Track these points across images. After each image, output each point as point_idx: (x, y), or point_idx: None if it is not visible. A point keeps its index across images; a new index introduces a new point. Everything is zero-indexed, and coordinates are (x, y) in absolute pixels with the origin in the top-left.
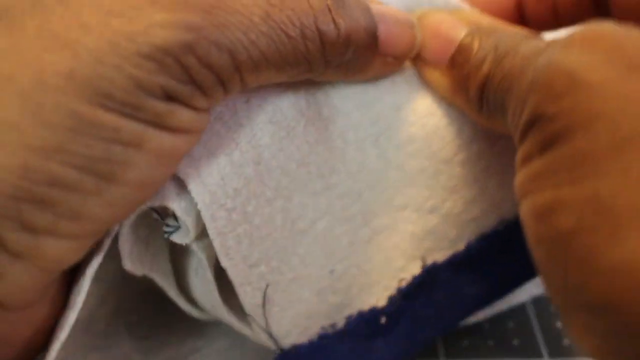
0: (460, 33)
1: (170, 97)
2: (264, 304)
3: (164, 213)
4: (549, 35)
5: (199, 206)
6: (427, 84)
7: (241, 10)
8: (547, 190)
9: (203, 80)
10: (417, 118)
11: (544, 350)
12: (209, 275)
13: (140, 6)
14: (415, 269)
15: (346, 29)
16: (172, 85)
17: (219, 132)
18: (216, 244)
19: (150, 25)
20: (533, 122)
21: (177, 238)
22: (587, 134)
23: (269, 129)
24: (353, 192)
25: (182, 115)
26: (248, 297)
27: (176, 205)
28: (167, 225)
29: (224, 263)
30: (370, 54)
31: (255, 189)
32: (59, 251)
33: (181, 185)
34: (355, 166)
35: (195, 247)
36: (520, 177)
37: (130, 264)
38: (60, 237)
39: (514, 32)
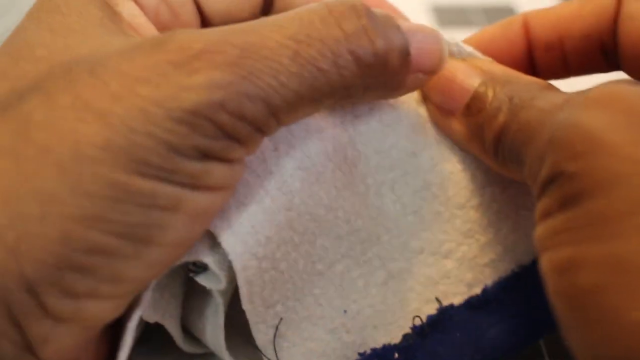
0: (474, 81)
1: (205, 155)
2: (274, 339)
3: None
4: (561, 85)
5: (231, 257)
6: (441, 130)
7: (268, 55)
8: (567, 247)
9: (239, 132)
10: (432, 164)
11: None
12: (220, 321)
13: (165, 72)
14: (430, 310)
15: (383, 48)
16: (206, 143)
17: (248, 181)
18: (243, 291)
19: (178, 89)
20: (553, 179)
21: (204, 281)
22: (606, 195)
23: (299, 175)
24: (373, 236)
25: (218, 172)
26: (261, 333)
27: (209, 259)
28: (194, 265)
29: (246, 306)
30: (404, 72)
31: (284, 235)
32: (100, 312)
33: (212, 237)
34: (375, 210)
35: (216, 293)
36: (539, 231)
37: (148, 312)
38: (101, 299)
39: (528, 83)
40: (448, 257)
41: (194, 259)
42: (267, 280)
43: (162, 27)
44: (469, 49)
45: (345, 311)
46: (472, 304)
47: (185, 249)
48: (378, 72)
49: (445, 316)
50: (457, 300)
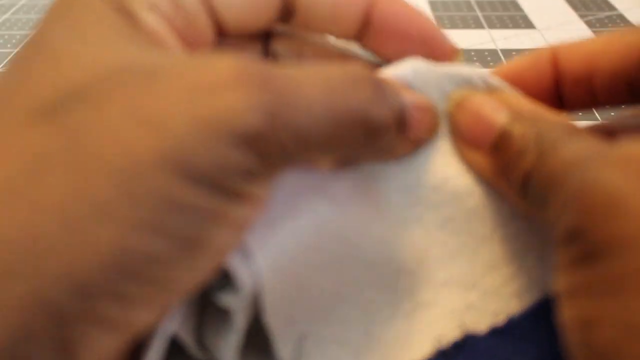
0: (502, 118)
1: (249, 172)
2: (299, 357)
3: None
4: (584, 124)
5: (258, 275)
6: (466, 164)
7: (306, 94)
8: (586, 303)
9: (275, 159)
10: (456, 198)
11: None
12: (234, 339)
13: (224, 86)
14: (454, 336)
15: (387, 117)
16: (251, 163)
17: (280, 200)
18: (267, 306)
19: (237, 105)
20: (572, 234)
21: (226, 296)
22: (624, 256)
23: (326, 201)
24: (402, 267)
25: (258, 189)
26: (283, 351)
27: (241, 270)
28: (218, 281)
29: (269, 321)
30: (401, 139)
31: (313, 256)
32: (146, 320)
33: (244, 251)
34: (403, 242)
35: (237, 315)
36: (559, 282)
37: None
38: (150, 306)
39: (555, 124)
40: (473, 289)
41: (226, 267)
42: (294, 298)
43: (179, 36)
44: (496, 81)
45: (370, 334)
46: (497, 332)
47: (224, 259)
48: (380, 136)
49: (469, 342)
50: (482, 328)
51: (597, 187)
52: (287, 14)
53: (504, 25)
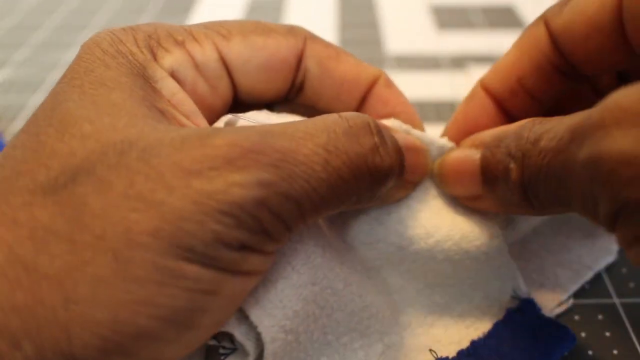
0: (475, 160)
1: (244, 246)
2: None
3: (221, 337)
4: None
5: (259, 329)
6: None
7: (304, 160)
8: None
9: (273, 230)
10: (416, 254)
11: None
12: None
13: (217, 167)
14: None
15: (390, 164)
16: (246, 236)
17: (281, 255)
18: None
19: (229, 184)
20: (619, 211)
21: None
22: None
23: (319, 251)
24: (378, 314)
25: (254, 261)
26: None
27: (237, 331)
28: (224, 348)
29: None
30: (399, 183)
31: (309, 309)
32: None
33: (239, 311)
34: (375, 289)
35: None
36: (635, 257)
37: None
38: None
39: (517, 129)
40: (433, 327)
41: (221, 329)
42: (288, 351)
43: (199, 99)
44: (443, 142)
45: None
46: (465, 354)
47: (218, 328)
48: (383, 183)
49: None
50: (451, 354)
51: (612, 156)
52: (296, 91)
53: (503, 31)
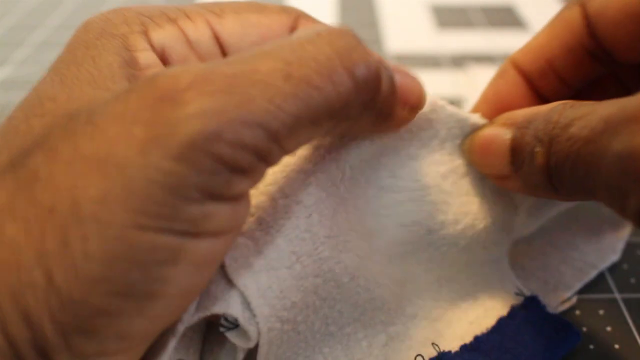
0: (505, 140)
1: (206, 195)
2: None
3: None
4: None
5: (258, 319)
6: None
7: (261, 78)
8: None
9: (240, 162)
10: (441, 244)
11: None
12: None
13: (157, 109)
14: (429, 355)
15: (375, 63)
16: (206, 180)
17: (280, 245)
18: (262, 349)
19: (172, 124)
20: None
21: (235, 338)
22: None
23: (329, 243)
24: (384, 308)
25: (220, 215)
26: None
27: (241, 316)
28: (226, 320)
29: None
30: (393, 101)
31: (308, 300)
32: None
33: (244, 296)
34: (391, 283)
35: (240, 350)
36: None
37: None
38: (111, 355)
39: (547, 112)
40: (438, 320)
41: (224, 311)
42: (285, 340)
43: None
44: (476, 118)
45: None
46: (468, 349)
47: (192, 297)
48: (372, 88)
49: (444, 358)
50: (453, 349)
51: None
52: None
53: (504, 31)
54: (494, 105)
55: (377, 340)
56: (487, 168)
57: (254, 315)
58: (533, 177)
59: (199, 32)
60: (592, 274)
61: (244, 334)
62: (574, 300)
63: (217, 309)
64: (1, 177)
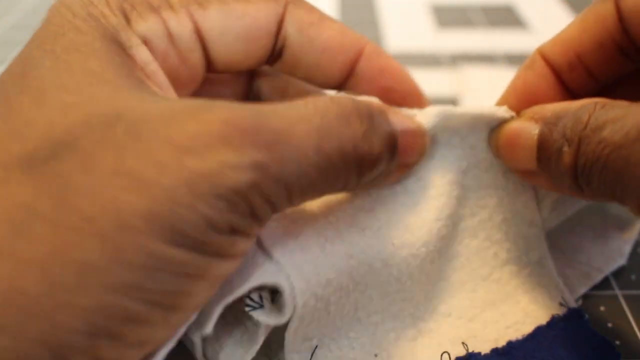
0: (533, 135)
1: (234, 231)
2: None
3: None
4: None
5: (296, 291)
6: (478, 206)
7: (297, 144)
8: None
9: (262, 213)
10: (463, 238)
11: None
12: (250, 355)
13: (211, 145)
14: (457, 354)
15: (379, 150)
16: (237, 221)
17: (308, 229)
18: (293, 325)
19: (223, 166)
20: None
21: (260, 316)
22: None
23: (353, 230)
24: (413, 300)
25: (241, 244)
26: None
27: (285, 285)
28: (251, 300)
29: (288, 337)
30: (392, 166)
31: (342, 280)
32: None
33: (282, 269)
34: (423, 278)
35: (261, 328)
36: None
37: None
38: None
39: (577, 110)
40: (473, 321)
41: (267, 282)
42: (316, 318)
43: (168, 71)
44: (503, 112)
45: (376, 355)
46: (499, 353)
47: (198, 310)
48: (372, 169)
49: (471, 358)
50: (484, 351)
51: None
52: (275, 57)
53: (505, 31)
54: (522, 97)
55: (405, 334)
56: (513, 162)
57: (293, 287)
58: (559, 175)
59: (181, 25)
60: (598, 277)
61: (271, 313)
62: (579, 304)
63: (261, 280)
64: (18, 171)
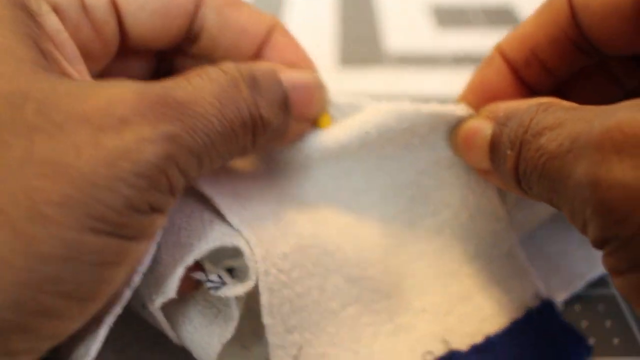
0: (486, 135)
1: (152, 208)
2: None
3: (209, 270)
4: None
5: (257, 257)
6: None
7: (202, 112)
8: None
9: (178, 186)
10: (427, 236)
11: None
12: (227, 335)
13: (127, 119)
14: (438, 352)
15: (269, 110)
16: (157, 198)
17: (262, 205)
18: (264, 298)
19: (141, 140)
20: (607, 240)
21: (226, 291)
22: None
23: (304, 217)
24: (382, 290)
25: (158, 222)
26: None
27: (244, 248)
28: (211, 282)
29: (267, 320)
30: (286, 123)
31: (299, 259)
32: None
33: (242, 235)
34: (384, 268)
35: (233, 302)
36: (621, 287)
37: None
38: (38, 352)
39: (522, 112)
40: (448, 315)
41: (227, 244)
42: (285, 297)
43: (80, 43)
44: (462, 111)
45: (356, 352)
46: (478, 349)
47: (118, 296)
48: (263, 133)
49: (454, 358)
50: (463, 347)
51: (610, 187)
52: (192, 38)
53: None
54: (480, 94)
55: (384, 329)
56: (470, 161)
57: (253, 252)
58: (506, 177)
59: None
60: (581, 284)
61: (235, 286)
62: (561, 308)
63: (219, 242)
64: None
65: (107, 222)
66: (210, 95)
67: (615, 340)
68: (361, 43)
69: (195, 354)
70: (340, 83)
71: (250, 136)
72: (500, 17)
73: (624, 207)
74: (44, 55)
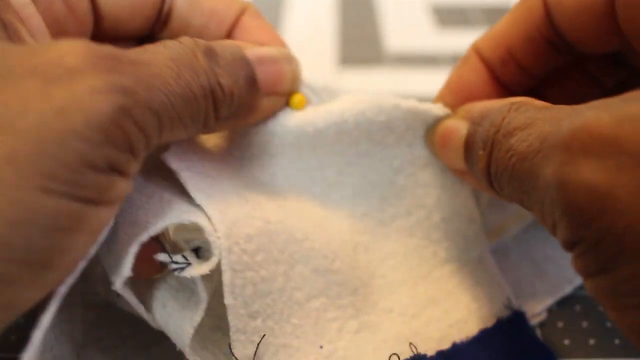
0: (462, 135)
1: (111, 168)
2: (254, 357)
3: (173, 251)
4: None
5: (219, 234)
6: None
7: (159, 72)
8: (629, 310)
9: (137, 145)
10: (398, 236)
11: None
12: (197, 319)
13: (78, 69)
14: (404, 355)
15: (228, 86)
16: (114, 154)
17: (230, 187)
18: (226, 277)
19: (93, 90)
20: (576, 242)
21: (190, 271)
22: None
23: (272, 204)
24: (349, 286)
25: (120, 185)
26: (240, 345)
27: (206, 225)
28: (175, 263)
29: (228, 300)
30: (253, 99)
31: (264, 243)
32: None
33: (205, 213)
34: (351, 262)
35: (199, 282)
36: (592, 289)
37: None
38: None
39: (494, 112)
40: (415, 318)
41: (191, 220)
42: (249, 279)
43: (52, 21)
44: (439, 111)
45: (321, 347)
46: (444, 355)
47: (75, 268)
48: (226, 105)
49: None
50: (429, 352)
51: (577, 189)
52: (162, 22)
53: None
54: (457, 94)
55: (348, 326)
56: (446, 161)
57: (215, 229)
58: (478, 177)
59: None
60: (567, 289)
61: (200, 265)
62: (544, 316)
63: (180, 218)
64: None
65: (59, 181)
66: (166, 59)
67: (592, 341)
68: (361, 43)
69: (172, 339)
70: (340, 83)
71: (211, 104)
72: (500, 16)
73: (590, 210)
74: (4, 26)
